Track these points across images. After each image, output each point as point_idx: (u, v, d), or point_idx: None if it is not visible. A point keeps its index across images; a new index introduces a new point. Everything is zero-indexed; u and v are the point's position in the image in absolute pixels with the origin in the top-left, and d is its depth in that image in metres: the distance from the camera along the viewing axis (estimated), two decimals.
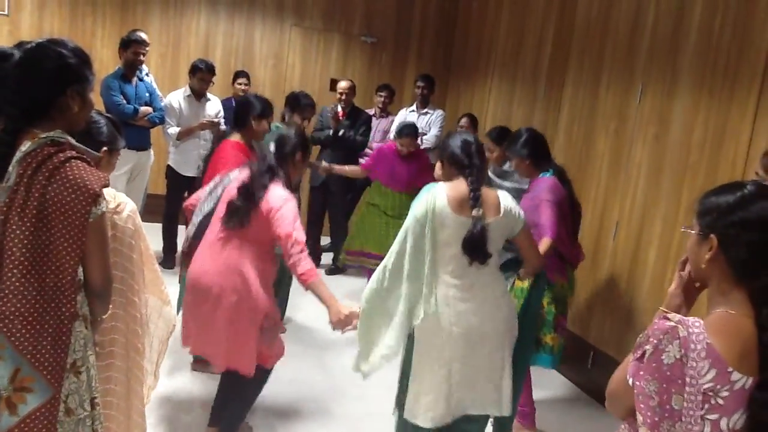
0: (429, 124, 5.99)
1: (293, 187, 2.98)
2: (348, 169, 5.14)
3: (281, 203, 2.77)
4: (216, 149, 3.81)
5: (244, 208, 2.78)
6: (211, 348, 2.86)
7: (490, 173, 4.47)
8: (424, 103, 6.12)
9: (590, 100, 4.57)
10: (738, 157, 3.33)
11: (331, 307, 2.66)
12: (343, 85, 5.83)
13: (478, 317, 2.49)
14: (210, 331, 2.81)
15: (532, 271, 2.86)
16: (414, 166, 4.82)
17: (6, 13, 6.25)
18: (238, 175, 2.97)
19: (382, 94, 6.14)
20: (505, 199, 2.56)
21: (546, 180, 3.34)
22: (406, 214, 2.60)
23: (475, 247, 2.41)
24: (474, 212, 2.42)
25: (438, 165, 2.74)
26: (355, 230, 5.09)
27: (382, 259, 2.67)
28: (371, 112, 6.19)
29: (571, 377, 4.37)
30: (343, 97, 5.77)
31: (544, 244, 3.09)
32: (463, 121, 5.37)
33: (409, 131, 4.79)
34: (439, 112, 6.11)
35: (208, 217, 3.00)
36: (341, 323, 2.65)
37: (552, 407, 3.87)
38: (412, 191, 4.46)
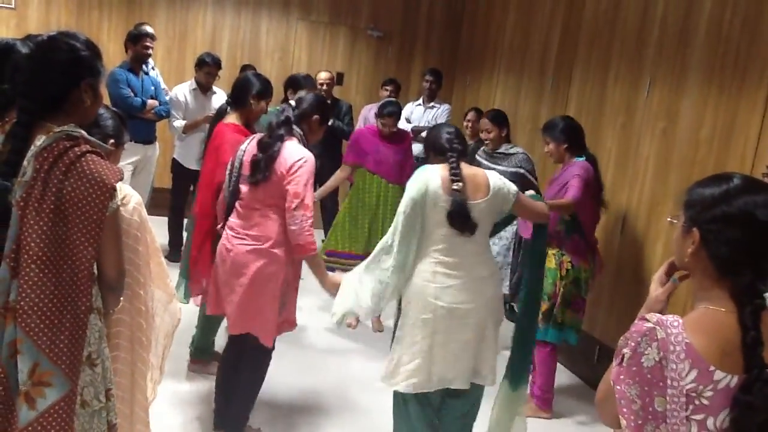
0: (435, 117, 5.97)
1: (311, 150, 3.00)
2: (332, 183, 4.74)
3: (298, 162, 2.80)
4: (213, 134, 3.55)
5: (265, 159, 2.82)
6: (231, 308, 2.93)
7: (478, 156, 4.44)
8: (431, 97, 6.10)
9: (598, 94, 4.55)
10: (747, 152, 3.31)
11: (325, 281, 2.91)
12: (324, 75, 5.79)
13: (463, 294, 2.58)
14: (232, 294, 2.90)
15: (545, 217, 2.84)
16: (400, 148, 4.55)
17: (13, 6, 6.26)
18: (249, 145, 2.98)
19: (388, 88, 6.10)
20: (494, 178, 2.64)
21: (579, 162, 3.61)
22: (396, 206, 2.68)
23: (458, 218, 2.51)
24: (454, 186, 2.52)
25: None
26: (338, 231, 4.61)
27: (362, 259, 2.75)
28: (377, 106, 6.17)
29: (577, 372, 4.36)
30: (324, 87, 5.74)
31: (563, 200, 3.43)
32: (470, 115, 5.34)
33: (393, 109, 4.50)
34: (446, 106, 6.09)
35: (234, 194, 3.00)
36: (334, 289, 2.84)
37: (558, 402, 3.86)
38: (402, 182, 4.33)
